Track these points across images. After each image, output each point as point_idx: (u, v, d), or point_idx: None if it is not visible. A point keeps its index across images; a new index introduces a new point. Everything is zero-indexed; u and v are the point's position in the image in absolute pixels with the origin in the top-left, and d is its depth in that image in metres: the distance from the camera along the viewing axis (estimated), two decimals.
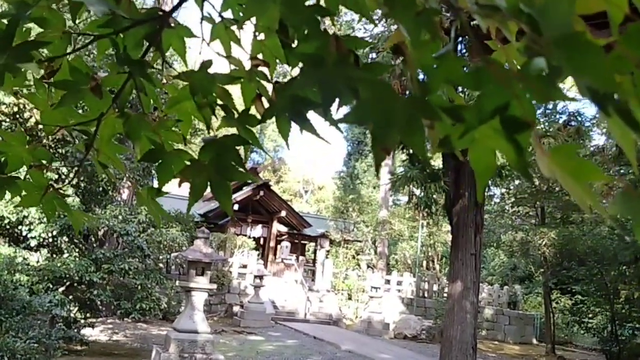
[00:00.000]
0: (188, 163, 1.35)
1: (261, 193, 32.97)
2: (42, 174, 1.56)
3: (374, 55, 10.51)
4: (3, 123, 14.03)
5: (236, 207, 31.41)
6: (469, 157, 0.89)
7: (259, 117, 1.33)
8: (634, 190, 0.66)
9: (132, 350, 15.78)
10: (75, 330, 13.58)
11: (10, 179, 1.50)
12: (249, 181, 32.03)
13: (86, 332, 14.43)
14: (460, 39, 10.18)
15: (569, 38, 0.68)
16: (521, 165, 0.82)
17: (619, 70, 0.68)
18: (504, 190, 25.63)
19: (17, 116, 14.38)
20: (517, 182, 22.61)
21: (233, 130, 1.37)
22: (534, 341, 31.73)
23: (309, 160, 70.29)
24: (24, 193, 1.58)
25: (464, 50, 11.21)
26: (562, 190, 21.50)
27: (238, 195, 31.36)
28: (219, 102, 1.40)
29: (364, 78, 0.96)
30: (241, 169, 1.31)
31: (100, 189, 17.22)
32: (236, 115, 1.38)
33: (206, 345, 12.62)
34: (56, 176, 14.40)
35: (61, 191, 1.59)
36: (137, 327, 19.40)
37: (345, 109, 1.01)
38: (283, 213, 34.46)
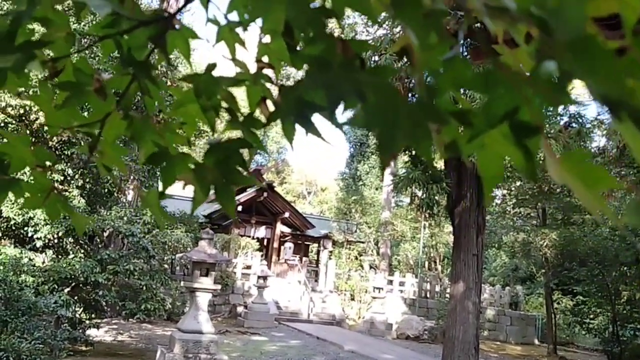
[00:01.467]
0: (192, 166, 1.34)
1: (265, 194, 32.98)
2: (46, 175, 1.55)
3: (376, 58, 10.51)
4: (9, 125, 14.06)
5: (240, 208, 31.43)
6: (477, 162, 0.88)
7: (264, 120, 1.32)
8: None
9: (136, 351, 15.79)
10: (81, 331, 13.60)
11: (14, 181, 1.49)
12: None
13: (91, 332, 14.45)
14: (461, 42, 10.17)
15: (581, 42, 0.67)
16: (531, 171, 0.81)
17: (633, 74, 0.67)
18: (505, 191, 25.60)
19: (24, 118, 14.42)
20: (518, 183, 22.58)
21: (237, 134, 1.36)
22: (536, 342, 31.72)
23: (312, 162, 70.41)
24: (27, 195, 1.57)
25: (466, 54, 11.19)
26: (563, 191, 21.50)
27: (242, 197, 31.39)
28: (224, 104, 1.40)
29: (370, 81, 0.95)
30: (245, 173, 1.30)
31: (106, 190, 17.27)
32: (241, 119, 1.38)
33: (210, 346, 12.63)
34: (61, 178, 14.45)
35: (65, 193, 1.58)
36: (141, 328, 19.42)
37: (350, 113, 1.00)
38: (286, 214, 34.48)
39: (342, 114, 1.08)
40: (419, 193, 13.80)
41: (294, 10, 1.05)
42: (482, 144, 0.84)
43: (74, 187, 15.21)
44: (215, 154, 1.29)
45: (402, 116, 0.84)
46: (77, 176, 15.39)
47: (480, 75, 0.80)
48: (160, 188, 1.42)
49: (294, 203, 45.33)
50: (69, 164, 14.75)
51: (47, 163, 1.54)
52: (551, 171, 0.79)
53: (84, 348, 14.15)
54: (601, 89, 0.67)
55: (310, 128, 1.21)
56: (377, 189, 46.96)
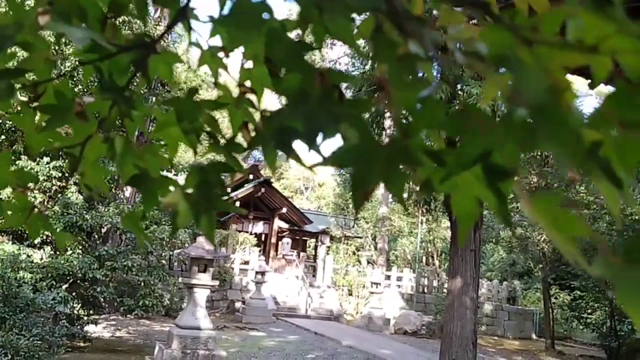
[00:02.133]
0: (172, 189, 1.34)
1: (262, 190, 33.00)
2: (26, 196, 1.55)
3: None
4: None
5: (238, 204, 31.45)
6: (451, 202, 0.88)
7: (245, 145, 1.32)
8: (611, 255, 0.64)
9: (135, 347, 15.82)
10: (79, 327, 13.62)
11: None
12: (250, 178, 32.14)
13: (89, 329, 14.47)
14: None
15: (542, 107, 0.66)
16: (503, 214, 0.81)
17: (602, 129, 0.66)
18: None
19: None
20: (515, 178, 22.60)
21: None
22: (534, 336, 31.80)
23: (310, 157, 70.14)
24: (9, 213, 1.58)
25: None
26: (561, 186, 21.51)
27: (240, 192, 31.41)
28: (207, 127, 1.39)
29: (346, 114, 0.95)
30: (224, 197, 1.29)
31: None
32: (222, 142, 1.37)
33: (208, 342, 12.65)
34: (59, 174, 14.44)
35: (45, 212, 1.58)
36: (140, 324, 19.45)
37: (330, 142, 1.00)
38: (284, 210, 34.52)
39: (321, 143, 1.07)
40: (417, 188, 13.78)
41: (271, 43, 1.04)
42: (455, 185, 0.83)
43: (72, 183, 15.20)
44: (197, 177, 1.29)
45: (377, 156, 0.83)
46: (64, 162, 15.35)
47: (453, 117, 0.80)
48: (143, 210, 1.41)
49: (292, 199, 45.40)
50: (65, 159, 14.74)
51: (30, 184, 1.54)
52: (525, 211, 0.78)
53: (82, 344, 14.16)
54: (560, 155, 0.67)
55: (291, 154, 1.20)
56: None
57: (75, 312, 13.72)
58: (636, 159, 0.68)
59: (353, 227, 38.78)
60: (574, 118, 0.65)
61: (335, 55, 34.49)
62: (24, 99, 1.40)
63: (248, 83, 1.38)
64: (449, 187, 0.83)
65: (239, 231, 32.60)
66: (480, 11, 0.76)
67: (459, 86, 12.10)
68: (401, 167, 0.83)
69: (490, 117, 0.76)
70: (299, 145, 1.16)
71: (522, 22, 0.69)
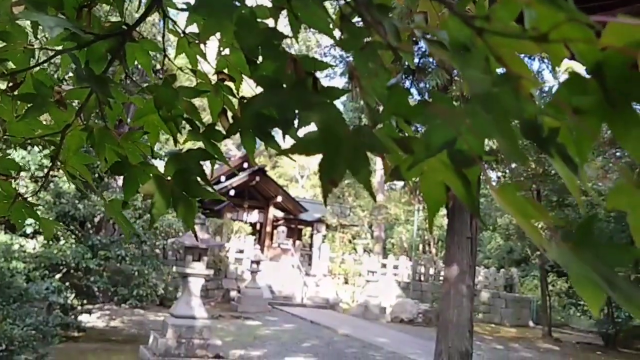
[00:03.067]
0: (152, 176, 1.34)
1: (257, 178, 32.96)
2: (10, 183, 1.55)
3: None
4: None
5: (232, 192, 31.44)
6: (420, 189, 0.88)
7: (224, 132, 1.32)
8: (561, 240, 0.65)
9: (129, 336, 15.83)
10: (73, 317, 13.61)
11: None
12: (245, 166, 32.09)
13: (83, 318, 14.48)
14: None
15: (485, 97, 0.67)
16: (470, 200, 0.82)
17: (557, 116, 0.67)
18: (500, 173, 25.65)
19: None
20: (513, 165, 22.61)
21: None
22: (531, 324, 31.88)
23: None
24: None
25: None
26: (558, 173, 21.52)
27: (234, 181, 31.39)
28: (186, 115, 1.39)
29: (319, 102, 0.95)
30: (205, 185, 1.30)
31: (96, 175, 17.20)
32: (202, 130, 1.37)
33: (203, 331, 12.67)
34: (50, 163, 14.36)
35: (30, 200, 1.59)
36: (134, 313, 19.44)
37: (306, 129, 1.00)
38: (279, 198, 34.49)
39: (297, 131, 1.08)
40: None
41: (241, 31, 1.04)
42: (422, 171, 0.84)
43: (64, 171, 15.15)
44: (175, 165, 1.29)
45: (344, 143, 0.84)
46: (46, 150, 15.30)
47: (419, 105, 0.80)
48: (124, 198, 1.42)
49: (287, 187, 45.29)
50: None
51: (12, 172, 1.54)
52: (495, 198, 0.79)
53: (76, 334, 14.17)
54: (501, 146, 0.68)
55: (269, 142, 1.21)
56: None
57: (69, 301, 13.69)
58: (589, 145, 0.68)
59: (349, 215, 38.80)
60: (524, 107, 0.66)
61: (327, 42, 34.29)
62: (2, 87, 1.41)
63: (226, 71, 1.38)
64: (416, 174, 0.84)
65: (234, 220, 32.58)
66: (438, 1, 0.77)
67: (455, 72, 12.08)
68: (368, 154, 0.84)
69: (454, 106, 0.77)
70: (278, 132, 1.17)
71: (480, 12, 0.69)
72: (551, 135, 0.67)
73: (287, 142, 1.10)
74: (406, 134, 0.94)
